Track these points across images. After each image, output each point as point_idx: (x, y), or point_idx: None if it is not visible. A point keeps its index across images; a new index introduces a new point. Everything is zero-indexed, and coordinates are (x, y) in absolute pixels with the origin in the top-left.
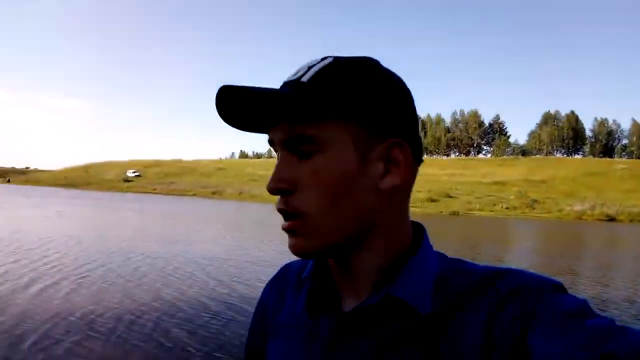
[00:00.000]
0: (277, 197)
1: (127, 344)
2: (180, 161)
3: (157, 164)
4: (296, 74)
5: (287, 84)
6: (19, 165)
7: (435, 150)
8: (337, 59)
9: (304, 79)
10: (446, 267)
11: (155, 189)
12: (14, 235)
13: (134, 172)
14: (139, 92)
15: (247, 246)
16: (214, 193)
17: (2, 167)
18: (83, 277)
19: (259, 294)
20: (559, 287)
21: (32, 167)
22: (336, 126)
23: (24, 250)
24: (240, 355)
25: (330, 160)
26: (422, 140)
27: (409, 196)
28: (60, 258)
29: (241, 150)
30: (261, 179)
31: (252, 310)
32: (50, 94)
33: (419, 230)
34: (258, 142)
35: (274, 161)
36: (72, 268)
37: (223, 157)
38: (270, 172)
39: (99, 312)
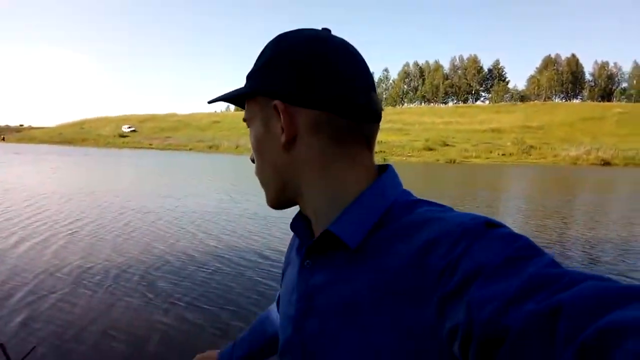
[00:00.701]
0: None
1: (112, 297)
2: (174, 115)
3: (152, 118)
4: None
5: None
6: (13, 122)
7: (433, 99)
8: (267, 44)
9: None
10: (401, 207)
11: (151, 144)
12: (5, 195)
13: (129, 127)
14: (134, 46)
15: (238, 199)
16: (210, 147)
17: None
18: (73, 233)
19: (247, 245)
20: (490, 225)
21: (26, 125)
22: (252, 104)
23: (15, 208)
24: (223, 304)
25: (251, 132)
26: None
27: (339, 146)
28: (51, 215)
29: None
30: None
31: (238, 260)
32: (45, 44)
33: (385, 171)
34: None
35: None
36: (62, 225)
37: (218, 111)
38: None
39: (86, 267)
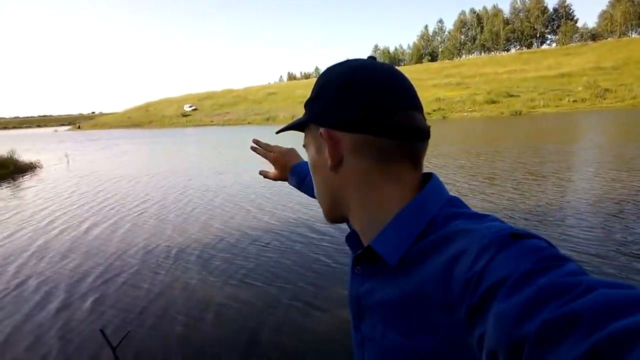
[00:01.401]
0: None
1: (171, 277)
2: (231, 91)
3: (210, 95)
4: None
5: None
6: (86, 110)
7: (493, 47)
8: (322, 74)
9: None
10: (439, 221)
11: (212, 121)
12: (80, 182)
13: (190, 106)
14: (191, 29)
15: None
16: (267, 119)
17: (72, 115)
18: (139, 215)
19: (299, 217)
20: (515, 236)
21: (97, 112)
22: (308, 131)
23: (88, 194)
24: (274, 280)
25: (308, 157)
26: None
27: (381, 166)
28: (119, 199)
29: (289, 73)
30: None
31: (289, 234)
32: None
33: (428, 182)
34: (304, 63)
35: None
36: (130, 207)
37: (272, 82)
38: None
39: (149, 249)
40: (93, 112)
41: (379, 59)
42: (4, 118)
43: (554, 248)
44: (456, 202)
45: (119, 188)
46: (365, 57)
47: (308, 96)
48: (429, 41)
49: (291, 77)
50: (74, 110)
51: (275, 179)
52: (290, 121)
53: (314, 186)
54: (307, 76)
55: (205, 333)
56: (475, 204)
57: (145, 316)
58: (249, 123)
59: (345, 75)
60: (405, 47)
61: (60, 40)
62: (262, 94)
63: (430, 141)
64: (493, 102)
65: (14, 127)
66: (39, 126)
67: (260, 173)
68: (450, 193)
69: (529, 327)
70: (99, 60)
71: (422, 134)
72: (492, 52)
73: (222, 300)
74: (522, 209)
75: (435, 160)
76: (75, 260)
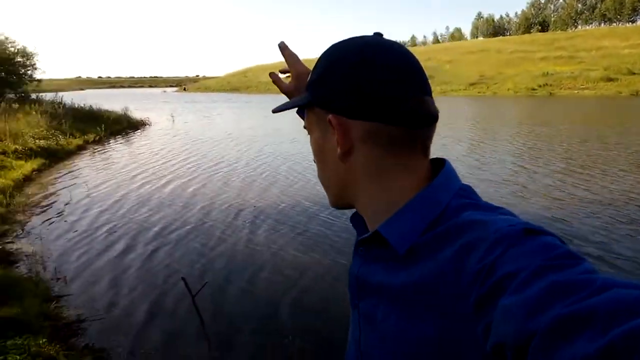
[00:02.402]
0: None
1: (216, 240)
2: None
3: (305, 62)
4: None
5: None
6: (191, 74)
7: (615, 17)
8: (324, 53)
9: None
10: (450, 210)
11: None
12: (171, 141)
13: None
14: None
15: None
16: None
17: (179, 77)
18: (210, 175)
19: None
20: (529, 232)
21: (201, 75)
22: (310, 114)
23: (174, 152)
24: (319, 250)
25: (311, 140)
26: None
27: (391, 154)
28: (198, 160)
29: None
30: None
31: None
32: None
33: (440, 171)
34: (399, 31)
35: (418, 49)
36: (205, 167)
37: None
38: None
39: (210, 208)
40: (197, 76)
41: (482, 28)
42: (121, 77)
43: (568, 246)
44: (468, 191)
45: (201, 148)
46: (372, 34)
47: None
48: (540, 9)
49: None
50: (180, 73)
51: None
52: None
53: (318, 171)
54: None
55: (260, 290)
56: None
57: (218, 270)
58: None
59: (354, 56)
60: (512, 15)
61: (172, 9)
62: None
63: (537, 118)
64: (610, 79)
65: (129, 86)
66: (150, 86)
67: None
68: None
69: (540, 321)
70: (204, 27)
71: (431, 119)
72: (614, 23)
73: (285, 263)
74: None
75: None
76: (145, 213)
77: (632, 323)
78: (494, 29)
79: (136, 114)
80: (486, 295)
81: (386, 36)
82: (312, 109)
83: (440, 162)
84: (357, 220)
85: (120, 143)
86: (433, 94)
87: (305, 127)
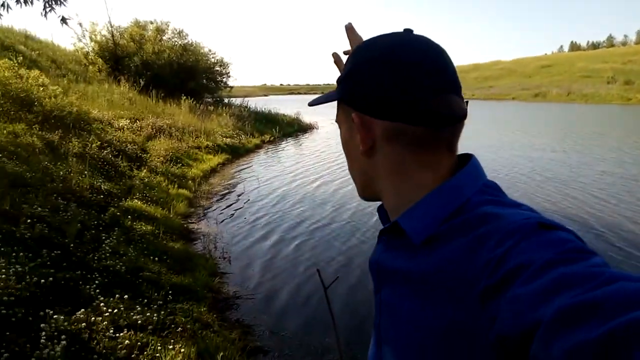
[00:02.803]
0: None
1: (360, 235)
2: (499, 62)
3: (475, 68)
4: None
5: None
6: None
7: None
8: (354, 50)
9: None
10: (469, 204)
11: (473, 95)
12: (335, 144)
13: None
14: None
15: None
16: (535, 95)
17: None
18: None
19: None
20: (543, 226)
21: None
22: (340, 108)
23: (333, 155)
24: None
25: (340, 134)
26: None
27: (414, 152)
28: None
29: (572, 42)
30: (597, 74)
31: None
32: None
33: (464, 166)
34: (594, 30)
35: (616, 50)
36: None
37: (549, 52)
38: (610, 65)
39: (356, 209)
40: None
41: None
42: (299, 84)
43: (582, 242)
44: (492, 188)
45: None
46: (402, 30)
47: (589, 67)
48: None
49: (574, 46)
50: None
51: None
52: (564, 99)
53: (347, 163)
54: (595, 46)
55: None
56: None
57: (351, 267)
58: (513, 98)
59: (379, 54)
60: None
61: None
62: (534, 66)
63: None
64: None
65: (305, 93)
66: (322, 92)
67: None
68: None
69: (546, 310)
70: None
71: (457, 119)
72: None
73: None
74: None
75: None
76: (289, 206)
77: (634, 314)
78: None
79: (306, 117)
80: (495, 286)
81: (576, 36)
82: (341, 104)
83: (466, 157)
84: (382, 211)
85: (290, 144)
86: (632, 101)
87: (336, 121)
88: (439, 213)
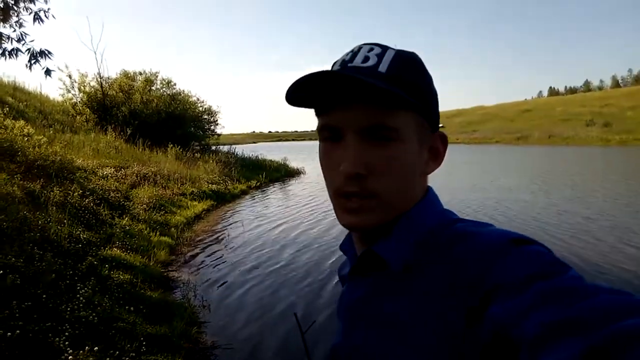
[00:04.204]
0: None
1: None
2: (482, 107)
3: (459, 113)
4: (365, 61)
5: (361, 71)
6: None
7: None
8: (397, 52)
9: (381, 69)
10: (440, 225)
11: (457, 139)
12: (320, 188)
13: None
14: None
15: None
16: (518, 139)
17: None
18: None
19: None
20: (517, 242)
21: None
22: (406, 116)
23: (317, 200)
24: None
25: (406, 150)
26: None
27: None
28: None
29: (550, 87)
30: (576, 118)
31: None
32: None
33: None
34: (570, 76)
35: (593, 95)
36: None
37: (529, 98)
38: (588, 108)
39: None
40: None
41: None
42: (287, 131)
43: (555, 255)
44: (454, 212)
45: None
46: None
47: (568, 111)
48: None
49: (553, 91)
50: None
51: None
52: (546, 142)
53: (397, 185)
54: (573, 90)
55: None
56: None
57: (331, 312)
58: (496, 142)
59: (426, 71)
60: None
61: None
62: (516, 111)
63: None
64: None
65: (293, 139)
66: (310, 139)
67: None
68: None
69: (526, 328)
70: None
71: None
72: None
73: None
74: None
75: None
76: (289, 251)
77: (614, 327)
78: None
79: (293, 163)
80: (477, 308)
81: (556, 80)
82: (408, 112)
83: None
84: (347, 246)
85: (277, 189)
86: (611, 143)
87: (372, 128)
88: (416, 236)
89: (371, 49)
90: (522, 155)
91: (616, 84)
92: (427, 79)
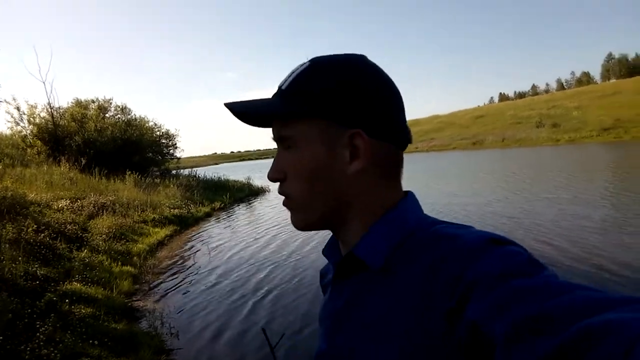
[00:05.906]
0: None
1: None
2: (437, 116)
3: (416, 123)
4: (284, 80)
5: (276, 92)
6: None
7: None
8: (314, 62)
9: (284, 86)
10: (419, 227)
11: (416, 147)
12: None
13: None
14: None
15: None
16: (474, 144)
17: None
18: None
19: None
20: (494, 242)
21: None
22: (307, 124)
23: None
24: None
25: (303, 153)
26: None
27: (386, 174)
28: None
29: (500, 93)
30: (526, 120)
31: None
32: None
33: (407, 195)
34: (518, 82)
35: (540, 98)
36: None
37: (481, 104)
38: (537, 111)
39: (304, 267)
40: None
41: (614, 69)
42: (249, 150)
43: (532, 255)
44: (433, 217)
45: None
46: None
47: (518, 115)
48: None
49: (503, 97)
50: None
51: None
52: (499, 145)
53: (297, 189)
54: (522, 95)
55: None
56: None
57: (299, 324)
58: (454, 148)
59: (370, 79)
60: None
61: None
62: (470, 117)
63: None
64: None
65: (256, 158)
66: (272, 157)
67: None
68: None
69: (499, 326)
70: None
71: (410, 143)
72: None
73: None
74: None
75: None
76: (255, 270)
77: (585, 322)
78: (628, 69)
79: (257, 182)
80: (455, 308)
81: (505, 86)
82: (304, 120)
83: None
84: (330, 251)
85: (242, 209)
86: (561, 142)
87: (284, 137)
88: (394, 237)
89: (300, 66)
90: (474, 159)
91: (561, 86)
92: (335, 83)
